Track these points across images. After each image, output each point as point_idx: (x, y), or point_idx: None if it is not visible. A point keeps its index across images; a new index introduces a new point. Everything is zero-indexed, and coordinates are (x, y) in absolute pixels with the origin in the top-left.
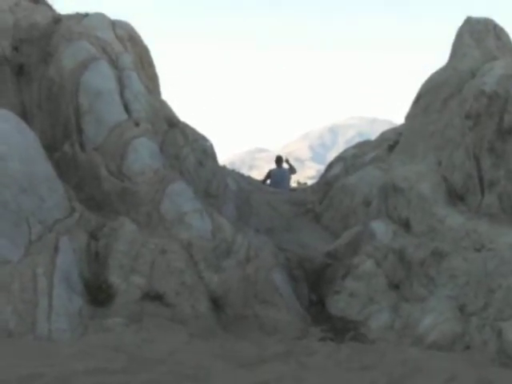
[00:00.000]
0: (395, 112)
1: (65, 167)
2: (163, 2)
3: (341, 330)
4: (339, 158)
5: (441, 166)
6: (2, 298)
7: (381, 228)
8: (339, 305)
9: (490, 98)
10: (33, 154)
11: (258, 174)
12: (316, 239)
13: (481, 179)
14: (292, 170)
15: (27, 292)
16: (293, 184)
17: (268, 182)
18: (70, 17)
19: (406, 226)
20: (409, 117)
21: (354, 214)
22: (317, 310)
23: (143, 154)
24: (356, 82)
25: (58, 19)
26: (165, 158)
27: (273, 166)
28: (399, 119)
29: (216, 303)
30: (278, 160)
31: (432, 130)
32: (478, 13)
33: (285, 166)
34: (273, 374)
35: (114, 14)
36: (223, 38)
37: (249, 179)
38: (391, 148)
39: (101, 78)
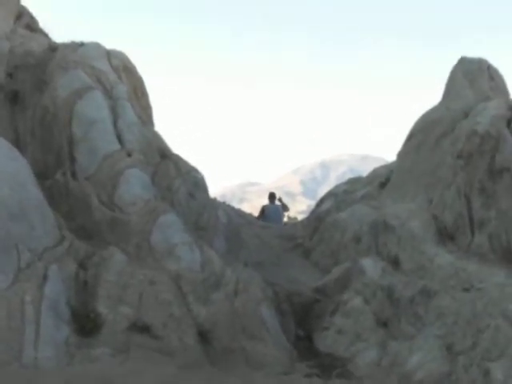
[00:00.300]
0: (387, 149)
1: (56, 195)
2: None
3: (328, 366)
4: (330, 194)
5: (431, 205)
6: None
7: (370, 265)
8: (327, 341)
9: (482, 138)
10: (24, 181)
11: (249, 207)
12: (305, 274)
13: (471, 219)
14: (285, 208)
15: (14, 319)
16: (283, 219)
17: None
18: (66, 45)
19: (396, 263)
20: (401, 154)
21: (344, 249)
22: (304, 345)
23: (135, 185)
24: (347, 118)
25: (54, 47)
26: (156, 189)
27: (264, 200)
28: (391, 156)
29: (204, 336)
30: (271, 196)
31: (424, 168)
32: (474, 52)
33: (277, 202)
34: None
35: (110, 43)
36: (215, 73)
37: (239, 212)
38: (382, 185)
39: (95, 107)
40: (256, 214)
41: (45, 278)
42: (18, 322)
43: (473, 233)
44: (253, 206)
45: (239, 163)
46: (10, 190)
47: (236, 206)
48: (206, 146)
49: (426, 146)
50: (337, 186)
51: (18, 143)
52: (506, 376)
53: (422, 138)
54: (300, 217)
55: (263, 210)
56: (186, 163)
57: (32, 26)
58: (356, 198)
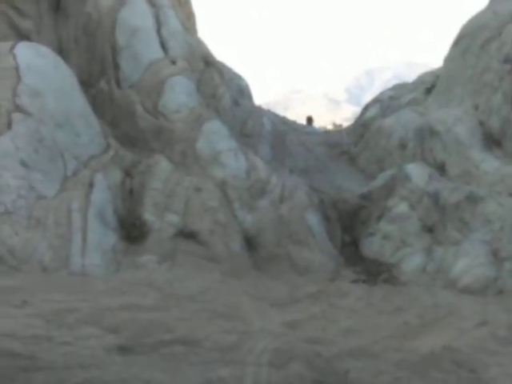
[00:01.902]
0: (433, 55)
1: (100, 104)
2: None
3: (374, 272)
4: (376, 100)
5: (478, 110)
6: (37, 234)
7: (416, 171)
8: (372, 247)
9: None
10: (69, 90)
11: (294, 115)
12: (350, 181)
13: None
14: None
15: (62, 227)
16: (328, 126)
17: None
18: None
19: (442, 169)
20: (447, 60)
21: (390, 156)
22: (350, 251)
23: (179, 93)
24: (393, 24)
25: None
26: (201, 96)
27: (308, 107)
28: (437, 62)
29: (249, 242)
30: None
31: (470, 73)
32: None
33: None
34: (304, 314)
35: None
36: None
37: (284, 119)
38: (428, 91)
39: (138, 15)
40: (301, 121)
41: (91, 185)
42: (66, 229)
43: None
44: (297, 113)
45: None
46: (55, 99)
47: (281, 113)
48: (249, 54)
49: (473, 51)
50: (382, 93)
51: (61, 52)
52: None
53: (468, 43)
54: (345, 124)
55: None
56: (230, 70)
57: None
58: (401, 104)
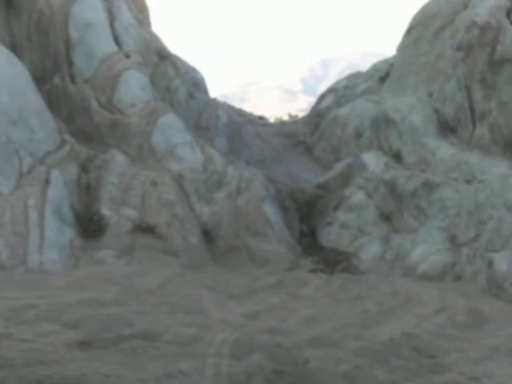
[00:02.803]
0: (387, 44)
1: (55, 99)
2: None
3: (332, 261)
4: (331, 90)
5: (432, 98)
6: None
7: (372, 160)
8: (330, 236)
9: (481, 29)
10: (22, 87)
11: (250, 107)
12: (307, 171)
13: (472, 110)
14: None
15: (18, 224)
16: (284, 116)
17: None
18: None
19: (397, 157)
20: (400, 48)
21: (346, 145)
22: (308, 241)
23: (134, 86)
24: (347, 14)
25: None
26: (156, 90)
27: (264, 98)
28: (391, 52)
29: (207, 235)
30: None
31: (423, 61)
32: None
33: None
34: (264, 305)
35: None
36: None
37: (240, 111)
38: (382, 79)
39: (90, 9)
40: (257, 113)
41: (47, 182)
42: (23, 226)
43: (474, 125)
44: (253, 105)
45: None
46: (9, 96)
47: (237, 105)
48: (204, 47)
49: (426, 38)
50: (337, 82)
51: (14, 48)
52: (509, 266)
53: (421, 30)
54: (301, 114)
55: None
56: (184, 63)
57: None
58: (356, 93)
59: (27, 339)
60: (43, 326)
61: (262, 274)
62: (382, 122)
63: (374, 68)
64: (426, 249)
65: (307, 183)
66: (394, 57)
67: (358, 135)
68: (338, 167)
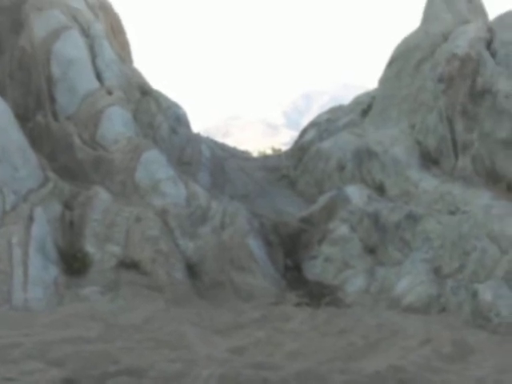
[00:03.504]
0: (369, 77)
1: (38, 137)
2: None
3: (317, 294)
4: (313, 124)
5: (414, 130)
6: None
7: (355, 192)
8: (315, 270)
9: (462, 61)
10: (5, 124)
11: (233, 141)
12: (291, 205)
13: (454, 142)
14: None
15: (2, 262)
16: (267, 150)
17: None
18: None
19: (381, 189)
20: (382, 81)
21: (329, 178)
22: (293, 275)
23: (116, 123)
24: (328, 47)
25: None
26: (138, 126)
27: (247, 133)
28: (373, 84)
29: (192, 270)
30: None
31: (405, 93)
32: None
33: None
34: (249, 340)
35: None
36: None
37: (223, 146)
38: (365, 112)
39: (72, 46)
40: (240, 147)
41: (31, 219)
42: (6, 264)
43: (456, 156)
44: (236, 139)
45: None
46: None
47: (220, 140)
48: (186, 82)
49: (407, 71)
50: (319, 116)
51: None
52: (494, 297)
53: (402, 63)
54: (284, 148)
55: None
56: (166, 99)
57: None
58: (339, 127)
59: (12, 378)
60: (28, 364)
61: (247, 309)
62: (365, 155)
63: (356, 101)
64: (410, 281)
65: (291, 217)
66: (376, 89)
67: (341, 168)
68: (322, 200)
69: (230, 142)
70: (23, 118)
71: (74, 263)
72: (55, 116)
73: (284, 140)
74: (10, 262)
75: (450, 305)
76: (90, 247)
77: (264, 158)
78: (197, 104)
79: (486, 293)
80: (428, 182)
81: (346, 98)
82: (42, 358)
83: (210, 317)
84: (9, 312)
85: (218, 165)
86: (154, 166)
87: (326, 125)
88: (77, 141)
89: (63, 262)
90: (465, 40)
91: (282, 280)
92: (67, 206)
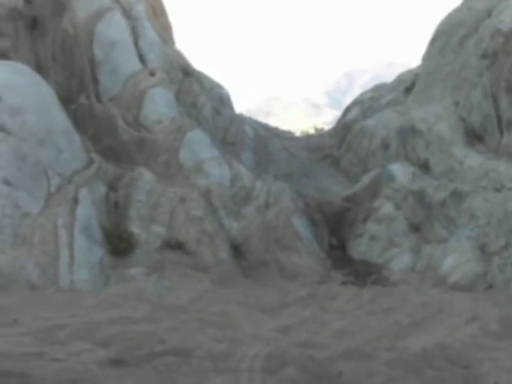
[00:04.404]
0: (411, 55)
1: (81, 119)
2: None
3: (362, 273)
4: (356, 102)
5: (458, 107)
6: (23, 251)
7: (400, 170)
8: (360, 248)
9: (506, 37)
10: (49, 107)
11: (276, 121)
12: (335, 184)
13: (499, 118)
14: None
15: (48, 244)
16: (310, 130)
17: None
18: None
19: (425, 167)
20: (425, 58)
21: (373, 157)
22: (337, 254)
23: (159, 104)
24: (372, 25)
25: None
26: (181, 106)
27: (289, 113)
28: (416, 62)
29: (237, 250)
30: None
31: (448, 70)
32: None
33: None
34: (295, 319)
35: None
36: None
37: (266, 126)
38: (408, 90)
39: (115, 28)
40: (283, 127)
41: (75, 201)
42: (52, 246)
43: (501, 133)
44: (279, 119)
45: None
46: (36, 116)
47: (262, 120)
48: (228, 62)
49: (450, 47)
50: (362, 94)
51: (40, 69)
52: None
53: (445, 40)
54: (326, 128)
55: None
56: (209, 79)
57: None
58: (382, 105)
59: (59, 359)
60: (75, 345)
61: (292, 288)
62: (409, 133)
63: (399, 79)
64: (456, 258)
65: (335, 196)
66: (419, 67)
67: (385, 146)
68: (366, 179)
69: (273, 122)
70: (67, 99)
71: (119, 244)
72: (98, 98)
73: (326, 119)
74: (55, 244)
75: (496, 282)
76: (134, 228)
77: (307, 137)
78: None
79: None
80: (473, 159)
81: (389, 76)
82: (89, 338)
83: (255, 296)
84: (55, 294)
85: (261, 145)
86: (198, 146)
87: (370, 103)
88: (120, 122)
89: (108, 243)
90: (509, 15)
91: (327, 259)
92: (111, 187)
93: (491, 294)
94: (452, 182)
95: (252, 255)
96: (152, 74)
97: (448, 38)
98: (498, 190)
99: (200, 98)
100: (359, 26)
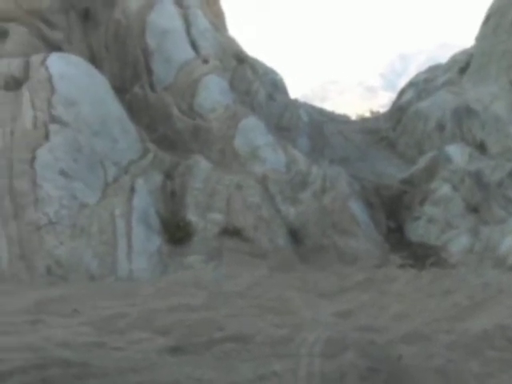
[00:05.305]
0: (465, 35)
1: (136, 108)
2: None
3: (420, 255)
4: (411, 84)
5: None
6: (82, 242)
7: (456, 152)
8: (418, 231)
9: None
10: (103, 97)
11: (331, 105)
12: (391, 167)
13: None
14: None
15: (106, 234)
16: (365, 113)
17: None
18: None
19: (482, 147)
20: (478, 38)
21: (429, 139)
22: (395, 237)
23: (213, 91)
24: (423, 6)
25: None
26: (235, 93)
27: (345, 97)
28: (469, 42)
29: (294, 235)
30: None
31: (503, 49)
32: None
33: None
34: (354, 303)
35: None
36: None
37: (321, 110)
38: (462, 70)
39: (167, 17)
40: (338, 111)
41: (132, 190)
42: (110, 236)
43: None
44: (334, 103)
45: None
46: (90, 106)
47: (318, 105)
48: (281, 48)
49: (504, 27)
50: (417, 75)
51: (93, 60)
52: None
53: (498, 19)
54: (382, 110)
55: None
56: (262, 65)
57: None
58: (437, 86)
59: (119, 347)
60: (135, 334)
61: (350, 272)
62: (464, 113)
63: (454, 59)
64: None
65: (392, 178)
66: (473, 47)
67: (441, 128)
68: (422, 161)
69: (328, 106)
70: (121, 89)
71: (176, 232)
72: (152, 87)
73: (382, 102)
74: (113, 234)
75: None
76: (192, 216)
77: (362, 120)
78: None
79: None
80: None
81: (443, 58)
82: (148, 327)
83: (313, 281)
84: (114, 283)
85: (316, 129)
86: (253, 132)
87: (424, 84)
88: (175, 111)
89: (166, 232)
90: None
91: (384, 242)
92: (168, 175)
93: None
94: (509, 162)
95: (309, 240)
96: (205, 61)
97: (501, 18)
98: None
99: (254, 85)
100: (412, 8)
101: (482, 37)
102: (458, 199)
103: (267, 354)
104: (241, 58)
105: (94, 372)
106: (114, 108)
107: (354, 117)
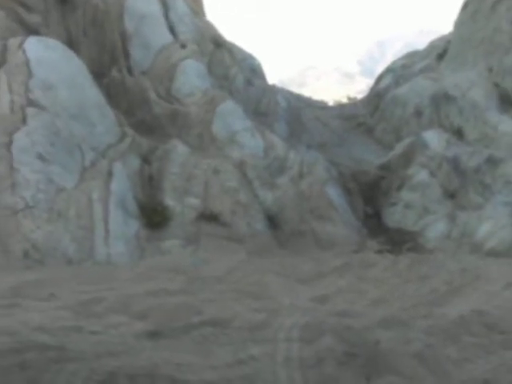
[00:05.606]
0: (443, 22)
1: (114, 92)
2: None
3: (398, 241)
4: (388, 70)
5: (491, 73)
6: (59, 226)
7: (434, 138)
8: (395, 216)
9: None
10: (81, 81)
11: (309, 91)
12: (368, 152)
13: None
14: None
15: (84, 218)
16: (343, 99)
17: None
18: None
19: (459, 134)
20: (457, 24)
21: (406, 124)
22: (373, 222)
23: (191, 76)
24: None
25: None
26: (213, 78)
27: (322, 82)
28: (447, 29)
29: (272, 220)
30: None
31: (481, 36)
32: None
33: None
34: (332, 288)
35: None
36: None
37: (299, 96)
38: (440, 57)
39: (145, 1)
40: (316, 97)
41: (110, 174)
42: (88, 220)
43: None
44: (312, 89)
45: (295, 48)
46: (68, 91)
47: (296, 90)
48: (259, 33)
49: (482, 13)
50: (394, 62)
51: (71, 44)
52: None
53: (477, 5)
54: (359, 96)
55: None
56: (241, 50)
57: None
58: (414, 72)
59: (97, 331)
60: (112, 318)
61: (328, 257)
62: (442, 99)
63: (432, 45)
64: (492, 225)
65: (369, 164)
66: (451, 33)
67: (418, 114)
68: (400, 147)
69: (306, 92)
70: (98, 74)
71: (154, 217)
72: (130, 71)
73: (359, 88)
74: (91, 218)
75: None
76: (169, 200)
77: (340, 106)
78: (271, 55)
79: None
80: (507, 125)
81: (421, 44)
82: (126, 311)
83: (291, 266)
84: (92, 267)
85: (294, 115)
86: (231, 117)
87: (402, 71)
88: (152, 95)
89: (143, 216)
90: None
91: (362, 228)
92: (145, 160)
93: None
94: (486, 149)
95: (287, 225)
96: (183, 46)
97: (479, 4)
98: None
99: (232, 70)
100: None
101: (460, 23)
102: (436, 185)
103: (245, 338)
104: (219, 43)
105: (71, 356)
106: (92, 92)
107: (331, 102)
